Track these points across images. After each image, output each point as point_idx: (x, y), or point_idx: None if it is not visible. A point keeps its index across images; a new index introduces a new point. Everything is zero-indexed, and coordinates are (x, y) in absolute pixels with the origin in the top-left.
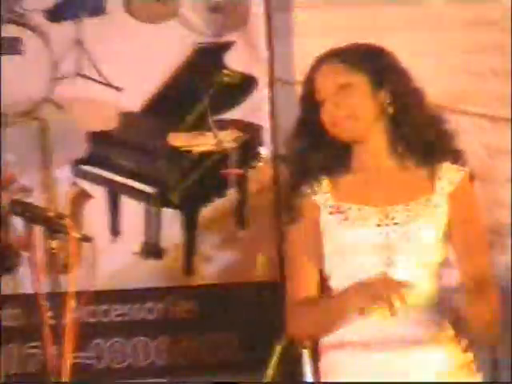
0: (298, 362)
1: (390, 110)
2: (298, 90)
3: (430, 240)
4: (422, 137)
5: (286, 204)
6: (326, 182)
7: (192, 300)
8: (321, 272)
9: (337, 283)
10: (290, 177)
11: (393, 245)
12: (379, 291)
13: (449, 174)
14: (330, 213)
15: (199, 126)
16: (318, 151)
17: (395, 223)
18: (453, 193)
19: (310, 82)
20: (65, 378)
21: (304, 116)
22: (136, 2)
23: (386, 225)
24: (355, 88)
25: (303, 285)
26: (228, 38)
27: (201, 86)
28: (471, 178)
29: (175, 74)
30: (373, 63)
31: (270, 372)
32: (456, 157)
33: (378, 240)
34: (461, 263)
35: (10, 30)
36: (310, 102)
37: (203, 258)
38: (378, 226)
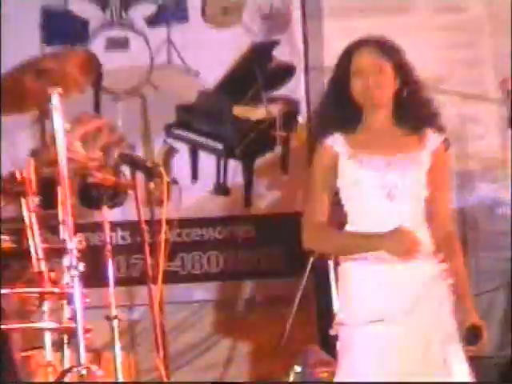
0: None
1: (400, 92)
2: (325, 74)
3: (418, 179)
4: (418, 113)
5: (311, 149)
6: (343, 138)
7: (250, 225)
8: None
9: (350, 209)
10: (316, 128)
11: (393, 182)
12: (396, 241)
13: (433, 138)
14: (348, 158)
15: (255, 100)
16: (338, 111)
17: (395, 167)
18: (435, 151)
19: (347, 57)
20: (159, 281)
21: (335, 81)
22: (210, 13)
23: (389, 168)
24: (384, 71)
25: (318, 209)
26: (275, 37)
27: (256, 72)
28: (447, 143)
29: (238, 63)
30: (395, 57)
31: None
32: (439, 128)
33: (383, 178)
34: (434, 195)
35: (119, 32)
36: (343, 72)
37: (257, 195)
38: (383, 168)
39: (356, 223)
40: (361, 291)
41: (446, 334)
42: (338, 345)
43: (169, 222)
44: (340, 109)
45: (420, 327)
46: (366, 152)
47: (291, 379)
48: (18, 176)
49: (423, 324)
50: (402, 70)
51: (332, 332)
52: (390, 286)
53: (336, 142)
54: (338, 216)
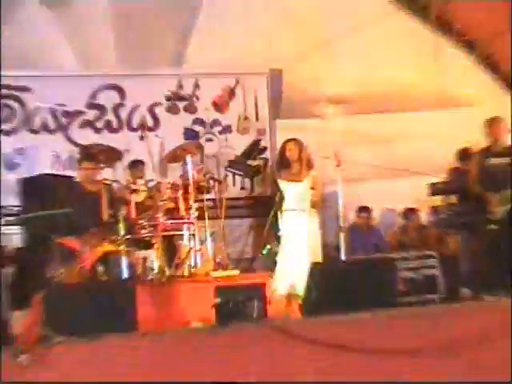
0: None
1: (303, 157)
2: (276, 150)
3: (308, 188)
4: (308, 164)
5: (273, 177)
6: (283, 175)
7: (252, 200)
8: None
9: (286, 200)
10: (275, 171)
11: (302, 191)
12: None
13: (313, 173)
14: (284, 182)
15: (255, 158)
16: (282, 165)
17: (302, 184)
18: (314, 177)
19: (284, 146)
20: (222, 218)
21: (281, 154)
22: (240, 129)
23: (299, 185)
24: (299, 150)
25: (277, 200)
26: (261, 137)
27: (255, 149)
28: (317, 174)
29: (249, 147)
30: (302, 146)
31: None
32: (312, 168)
33: (296, 191)
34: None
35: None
36: (283, 151)
37: (255, 190)
38: (296, 185)
39: (286, 203)
40: (287, 224)
41: (313, 246)
42: (281, 239)
43: (226, 199)
44: (283, 164)
45: (307, 238)
46: (291, 180)
47: (265, 252)
48: (176, 183)
49: (306, 237)
50: (303, 150)
51: (279, 233)
52: (296, 222)
53: (281, 176)
54: None
